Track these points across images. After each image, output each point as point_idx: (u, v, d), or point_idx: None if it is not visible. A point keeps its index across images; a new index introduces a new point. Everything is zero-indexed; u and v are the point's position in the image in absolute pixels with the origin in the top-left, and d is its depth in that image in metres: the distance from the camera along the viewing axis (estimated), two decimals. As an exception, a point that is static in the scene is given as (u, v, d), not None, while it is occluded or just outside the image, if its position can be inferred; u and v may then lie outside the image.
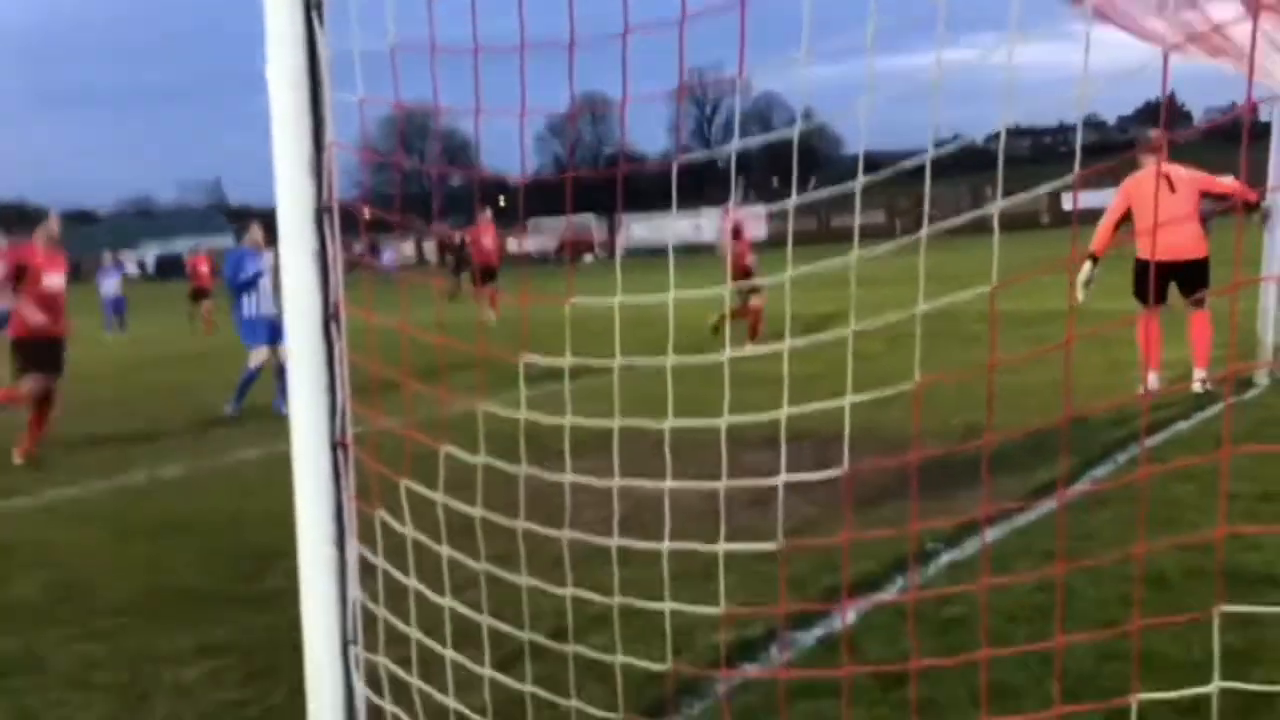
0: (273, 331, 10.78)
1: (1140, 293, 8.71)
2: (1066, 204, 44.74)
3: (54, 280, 9.58)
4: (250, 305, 11.56)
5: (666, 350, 2.25)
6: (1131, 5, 6.59)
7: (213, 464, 8.82)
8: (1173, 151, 8.96)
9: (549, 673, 3.30)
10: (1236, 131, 2.30)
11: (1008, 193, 2.15)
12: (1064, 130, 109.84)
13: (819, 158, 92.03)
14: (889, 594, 4.66)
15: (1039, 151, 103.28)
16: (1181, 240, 8.50)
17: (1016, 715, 3.25)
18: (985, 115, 2.19)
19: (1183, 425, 7.40)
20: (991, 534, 5.26)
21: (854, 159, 2.02)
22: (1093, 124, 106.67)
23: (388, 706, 2.55)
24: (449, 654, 2.49)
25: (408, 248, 63.20)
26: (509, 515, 2.47)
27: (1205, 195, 8.66)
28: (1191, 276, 8.53)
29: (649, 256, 43.94)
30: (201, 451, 9.43)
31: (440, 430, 2.54)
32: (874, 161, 2.10)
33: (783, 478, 2.01)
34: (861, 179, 1.91)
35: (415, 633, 2.52)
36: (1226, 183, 8.95)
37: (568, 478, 2.30)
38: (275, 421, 10.00)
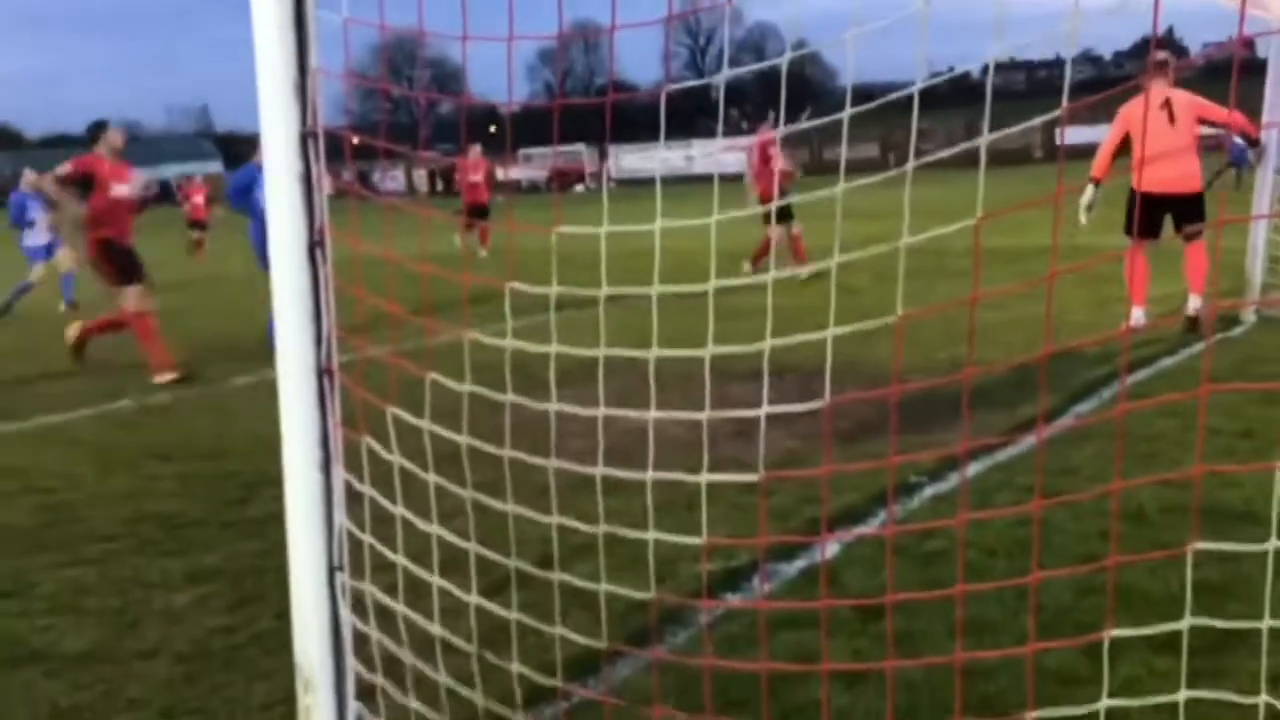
0: None
1: (1132, 226, 8.59)
2: (1059, 139, 44.49)
3: (122, 190, 9.51)
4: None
5: (656, 281, 2.24)
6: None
7: (200, 391, 8.81)
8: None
9: (534, 600, 3.34)
10: (1239, 68, 2.28)
11: (1001, 128, 2.13)
12: (1059, 64, 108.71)
13: (813, 89, 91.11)
14: (871, 527, 4.71)
15: (1034, 85, 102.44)
16: (1177, 173, 8.38)
17: (993, 649, 3.31)
18: (982, 49, 2.16)
19: (1168, 361, 7.44)
20: (973, 468, 5.30)
21: (849, 90, 2.00)
22: (1089, 59, 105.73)
23: (373, 633, 2.57)
24: (435, 581, 2.51)
25: (397, 176, 62.68)
26: (495, 444, 2.47)
27: (1203, 122, 8.51)
28: (1186, 210, 8.44)
29: (641, 187, 43.69)
30: (188, 378, 9.42)
31: (427, 359, 2.54)
32: (869, 94, 2.08)
33: (764, 409, 2.01)
34: (849, 110, 1.89)
35: (402, 559, 2.53)
36: (1225, 112, 8.81)
37: (553, 406, 2.30)
38: (263, 349, 9.99)
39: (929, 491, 5.05)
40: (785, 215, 13.59)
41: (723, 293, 2.17)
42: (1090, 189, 8.59)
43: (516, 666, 2.47)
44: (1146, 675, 3.13)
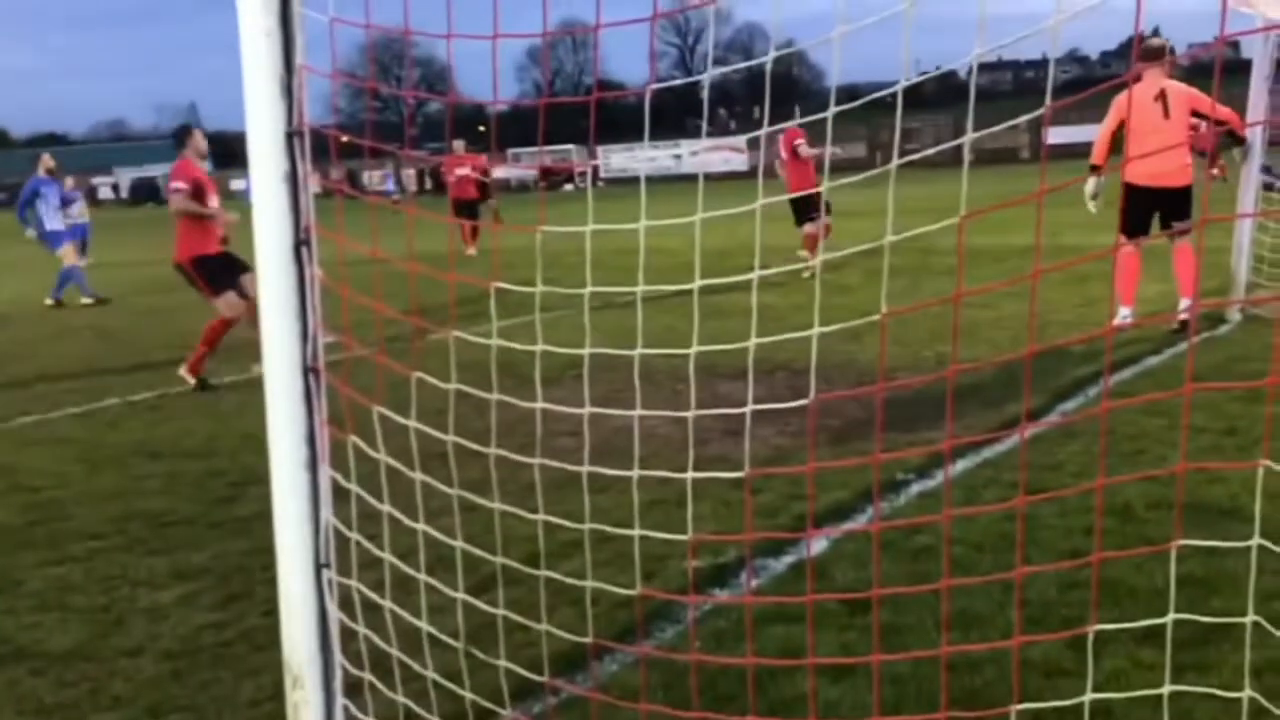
0: None
1: (1128, 221, 8.35)
2: (1046, 138, 44.65)
3: (214, 200, 9.25)
4: None
5: (641, 281, 2.25)
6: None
7: (188, 389, 8.79)
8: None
9: (521, 597, 3.35)
10: (1225, 67, 2.30)
11: (988, 127, 2.14)
12: (1046, 64, 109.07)
13: (800, 89, 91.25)
14: (859, 523, 4.73)
15: (1021, 85, 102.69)
16: (1169, 167, 8.35)
17: (980, 643, 3.33)
18: (971, 49, 2.17)
19: (1153, 360, 7.47)
20: (961, 465, 5.32)
21: (838, 90, 2.01)
22: (1075, 59, 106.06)
23: (360, 629, 2.58)
24: (422, 578, 2.51)
25: (380, 176, 62.50)
26: (482, 444, 2.48)
27: (1195, 115, 8.49)
28: (1175, 205, 8.38)
29: (630, 186, 43.71)
30: (175, 377, 9.39)
31: (414, 358, 2.54)
32: (856, 94, 2.09)
33: (749, 407, 2.02)
34: (834, 108, 1.90)
35: (389, 557, 2.54)
36: (1222, 108, 8.79)
37: (539, 405, 2.31)
38: (250, 348, 9.96)
39: (916, 488, 5.07)
40: (823, 211, 13.63)
41: (712, 291, 2.18)
42: (1093, 179, 8.57)
43: (504, 662, 2.48)
44: (1131, 668, 3.15)
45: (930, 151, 2.06)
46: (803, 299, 10.70)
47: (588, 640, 2.76)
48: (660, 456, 5.51)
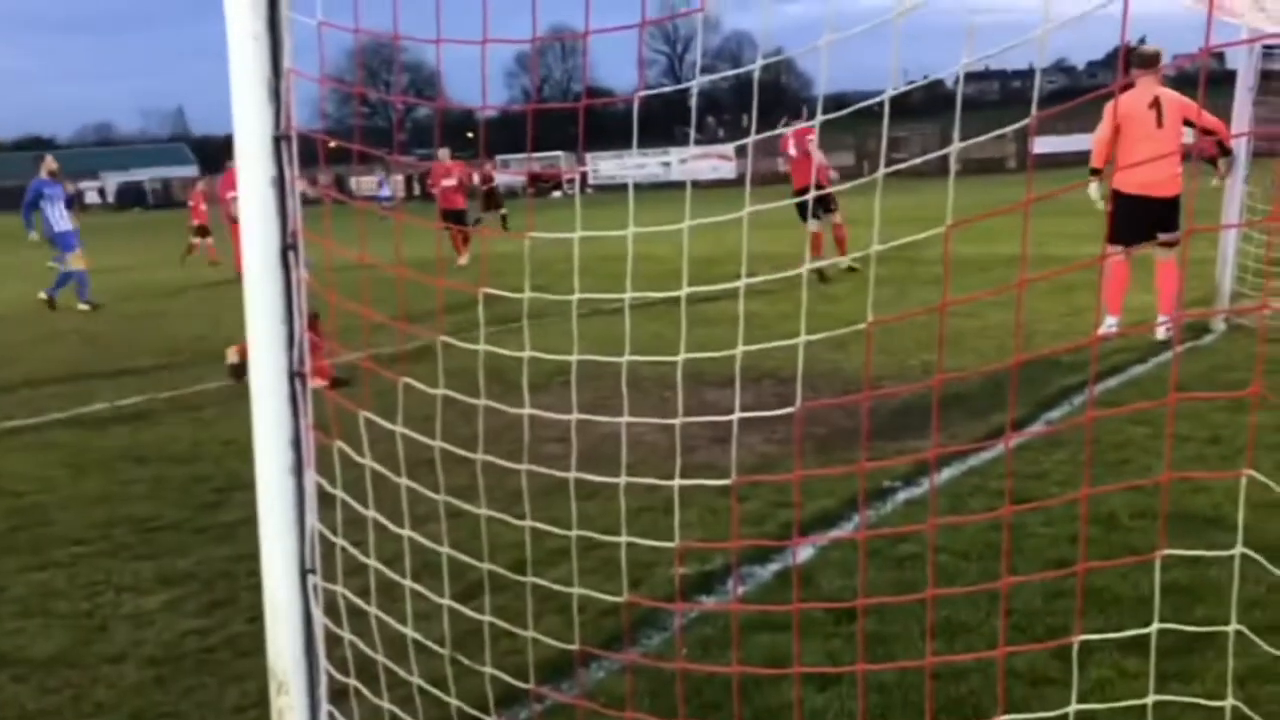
0: None
1: (1116, 230, 8.40)
2: (1033, 147, 44.82)
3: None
4: None
5: (629, 287, 2.25)
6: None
7: (173, 395, 8.76)
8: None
9: (506, 605, 3.34)
10: (1211, 78, 2.31)
11: (974, 137, 2.15)
12: (1033, 74, 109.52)
13: (788, 97, 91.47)
14: (845, 531, 4.73)
15: (1008, 95, 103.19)
16: (1160, 176, 8.34)
17: (965, 652, 3.33)
18: (956, 57, 2.18)
19: (1139, 369, 7.50)
20: (946, 473, 5.33)
21: (825, 99, 2.01)
22: (1062, 69, 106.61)
23: (346, 635, 2.57)
24: (408, 584, 2.51)
25: (372, 180, 62.40)
26: (468, 450, 2.47)
27: (1187, 125, 8.50)
28: (1163, 216, 8.37)
29: (618, 193, 43.73)
30: (161, 383, 9.37)
31: (401, 364, 2.54)
32: (844, 102, 2.10)
33: (736, 414, 2.02)
34: (821, 116, 1.91)
35: (374, 562, 2.53)
36: (1210, 118, 8.81)
37: (526, 411, 2.30)
38: (237, 354, 9.93)
39: (902, 496, 5.08)
40: (827, 209, 13.89)
41: (699, 299, 2.18)
42: (1095, 183, 8.58)
43: (489, 669, 2.47)
44: (1116, 677, 3.15)
45: (918, 160, 2.07)
46: (789, 307, 10.71)
47: (574, 647, 2.76)
48: (647, 464, 5.51)
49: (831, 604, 3.71)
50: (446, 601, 2.49)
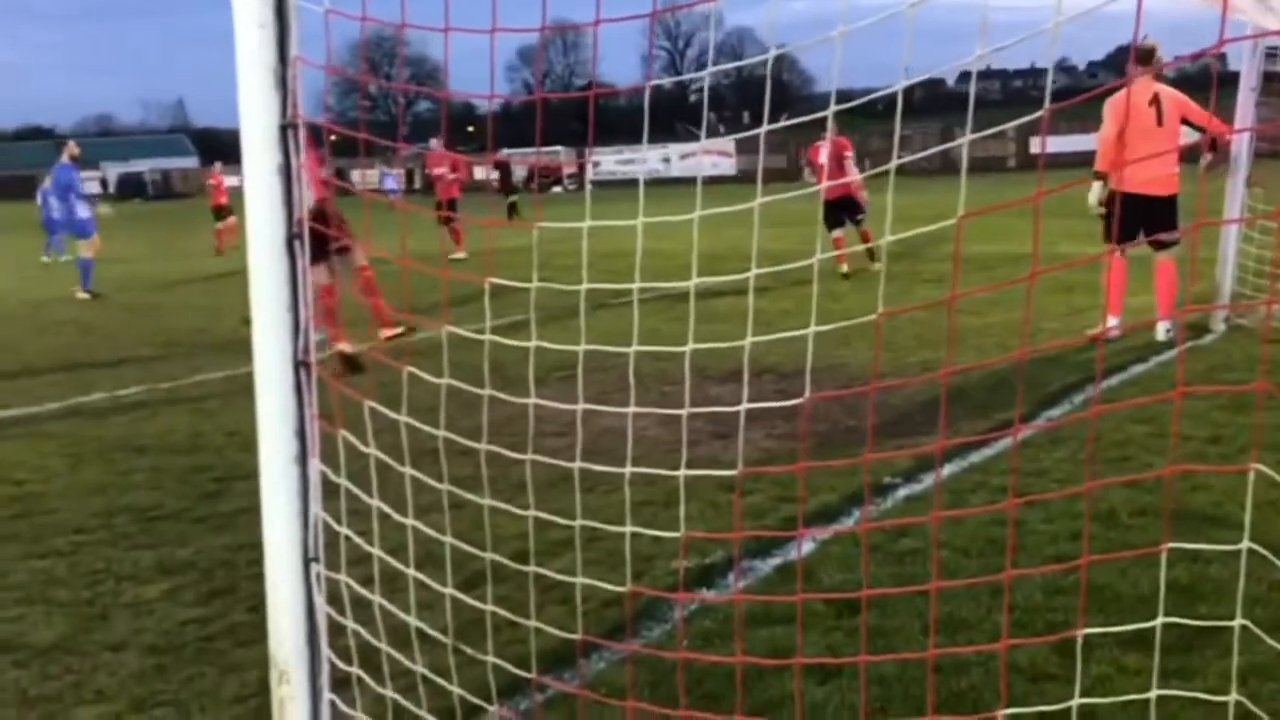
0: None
1: (1122, 229, 8.23)
2: (1034, 147, 44.76)
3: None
4: None
5: (637, 278, 2.25)
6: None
7: (172, 386, 8.76)
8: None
9: (508, 595, 3.34)
10: (1208, 79, 2.31)
11: (977, 134, 2.14)
12: (1034, 73, 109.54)
13: (790, 95, 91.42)
14: (845, 527, 4.74)
15: (1009, 94, 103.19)
16: (1160, 174, 8.31)
17: (966, 646, 3.34)
18: (957, 56, 2.17)
19: (1139, 368, 7.50)
20: (947, 470, 5.34)
21: (826, 97, 2.01)
22: (1063, 68, 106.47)
23: (349, 624, 2.57)
24: (411, 573, 2.51)
25: (374, 174, 62.28)
26: (473, 440, 2.47)
27: (1184, 122, 8.46)
28: (1161, 215, 8.32)
29: (617, 189, 43.68)
30: (160, 373, 9.36)
31: (405, 355, 2.54)
32: (846, 99, 2.09)
33: (744, 405, 2.02)
34: (834, 107, 1.91)
35: (378, 551, 2.53)
36: (1208, 115, 8.76)
37: (532, 401, 2.30)
38: (237, 343, 9.93)
39: (903, 492, 5.08)
40: (854, 218, 14.13)
41: (701, 295, 2.18)
42: (1097, 185, 8.52)
43: (492, 658, 2.47)
44: (1116, 673, 3.16)
45: (926, 154, 2.07)
46: (790, 304, 10.71)
47: (576, 637, 2.76)
48: (648, 459, 5.50)
49: (835, 594, 3.71)
50: (450, 591, 2.49)
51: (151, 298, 15.90)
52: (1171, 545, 2.03)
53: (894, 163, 1.78)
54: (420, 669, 2.55)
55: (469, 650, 2.65)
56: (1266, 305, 8.26)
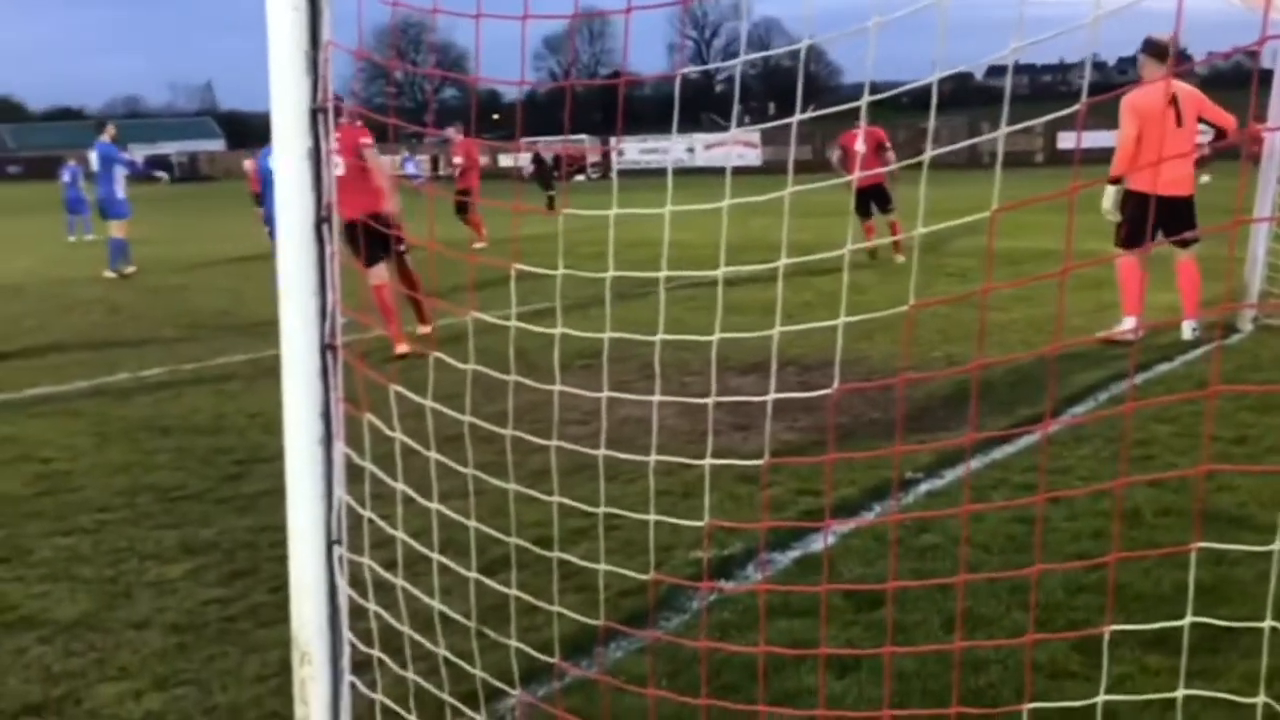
0: None
1: (1136, 231, 8.11)
2: (1061, 143, 44.42)
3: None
4: None
5: (664, 266, 2.24)
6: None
7: (196, 368, 8.81)
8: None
9: (527, 582, 3.35)
10: (1239, 77, 2.28)
11: (1005, 129, 2.13)
12: (1063, 68, 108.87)
13: (818, 86, 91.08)
14: (867, 519, 4.72)
15: (1037, 89, 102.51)
16: (1179, 175, 8.20)
17: (988, 641, 3.33)
18: (985, 50, 2.15)
19: (1164, 367, 7.44)
20: (970, 466, 5.31)
21: (852, 89, 1.99)
22: (1094, 64, 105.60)
23: (371, 606, 2.58)
24: (435, 557, 2.51)
25: (397, 159, 62.36)
26: (497, 425, 2.48)
27: (1201, 121, 8.36)
28: (1181, 215, 8.22)
29: (640, 178, 43.64)
30: (185, 355, 9.42)
31: (430, 340, 2.54)
32: (872, 92, 2.08)
33: (771, 395, 2.02)
34: (868, 97, 1.89)
35: (401, 534, 2.54)
36: (1224, 114, 8.64)
37: (556, 388, 2.30)
38: (262, 325, 9.99)
39: (924, 488, 5.06)
40: (884, 208, 14.37)
41: (725, 286, 2.17)
42: (1112, 190, 8.38)
43: (514, 642, 2.48)
44: (1138, 673, 3.14)
45: (955, 147, 2.05)
46: (812, 296, 10.69)
47: (599, 622, 2.76)
48: (667, 449, 5.50)
49: (858, 586, 3.71)
50: (473, 575, 2.50)
51: (176, 279, 15.99)
52: (1202, 545, 2.01)
53: (928, 154, 1.77)
54: (443, 652, 2.56)
55: (492, 634, 2.66)
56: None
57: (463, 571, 2.54)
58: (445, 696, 2.56)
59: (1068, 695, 2.90)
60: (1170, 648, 3.19)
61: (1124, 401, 6.52)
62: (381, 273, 8.71)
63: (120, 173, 17.04)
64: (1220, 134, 8.64)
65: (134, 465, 5.93)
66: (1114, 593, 3.67)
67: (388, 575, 2.56)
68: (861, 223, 14.31)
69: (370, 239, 8.29)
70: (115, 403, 7.59)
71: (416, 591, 2.60)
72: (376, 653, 2.57)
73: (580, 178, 52.61)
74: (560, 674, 3.15)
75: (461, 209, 18.83)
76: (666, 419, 6.08)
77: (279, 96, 2.40)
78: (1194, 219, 8.26)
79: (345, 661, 2.48)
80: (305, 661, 2.49)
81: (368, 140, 8.78)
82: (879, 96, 1.98)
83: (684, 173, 47.73)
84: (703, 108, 67.43)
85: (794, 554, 4.30)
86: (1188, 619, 1.90)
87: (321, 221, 2.42)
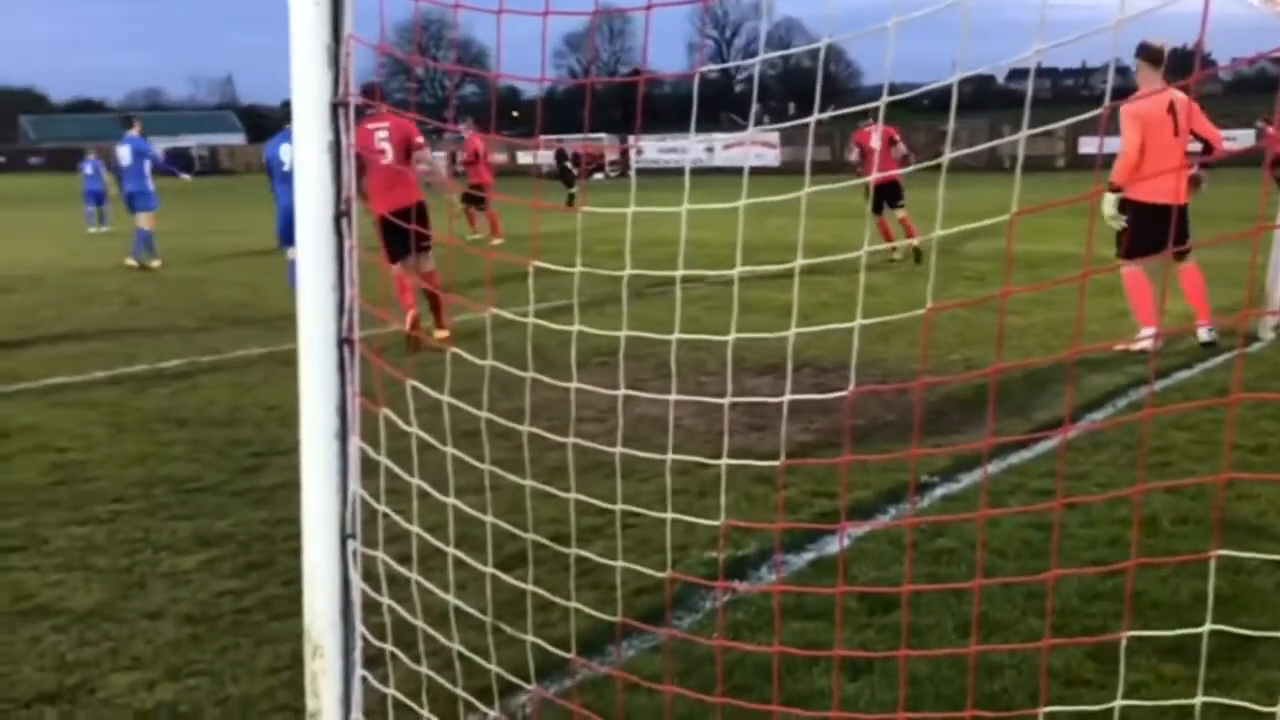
0: None
1: (1143, 240, 7.92)
2: (1083, 148, 44.20)
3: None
4: None
5: (681, 265, 2.24)
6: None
7: (214, 360, 8.84)
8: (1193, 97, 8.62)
9: (541, 579, 3.34)
10: (1264, 82, 2.26)
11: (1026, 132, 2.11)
12: (1085, 72, 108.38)
13: (837, 87, 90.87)
14: (883, 522, 4.71)
15: (1059, 93, 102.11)
16: (1176, 184, 8.12)
17: (1002, 646, 3.31)
18: (1006, 53, 2.14)
19: (1183, 374, 7.40)
20: (987, 470, 5.29)
21: (872, 91, 1.98)
22: (1117, 69, 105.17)
23: (384, 600, 2.58)
24: (451, 551, 2.51)
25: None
26: (514, 421, 2.47)
27: (1191, 133, 8.30)
28: (1180, 223, 8.11)
29: (659, 177, 43.62)
30: (203, 346, 9.46)
31: (449, 336, 2.54)
32: (892, 94, 2.07)
33: (787, 396, 2.01)
34: (886, 97, 1.88)
35: (416, 529, 2.54)
36: (1211, 127, 8.58)
37: (574, 385, 2.30)
38: (280, 319, 10.02)
39: (940, 491, 5.04)
40: (894, 204, 14.41)
41: (741, 286, 2.16)
42: (1112, 198, 8.32)
43: (530, 637, 2.47)
44: (1154, 681, 3.12)
45: (975, 150, 2.04)
46: (828, 297, 10.66)
47: (616, 619, 2.75)
48: (683, 449, 5.49)
49: (873, 589, 3.69)
50: (490, 570, 2.50)
51: (195, 271, 16.05)
52: (1222, 552, 2.00)
53: (947, 156, 1.76)
54: (457, 647, 2.56)
55: (507, 629, 2.66)
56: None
57: (478, 567, 2.54)
58: (459, 691, 2.56)
59: (1083, 702, 2.88)
60: (1186, 656, 3.17)
61: (1143, 408, 6.48)
62: (408, 267, 8.72)
63: (148, 166, 17.19)
64: (1207, 148, 8.58)
65: (150, 456, 5.96)
66: (1131, 600, 3.65)
67: (402, 570, 2.56)
68: (875, 219, 14.29)
69: (405, 232, 8.19)
70: (132, 393, 7.63)
71: (431, 586, 2.60)
72: (389, 647, 2.57)
73: (599, 176, 52.62)
74: (574, 670, 3.15)
75: (468, 200, 18.90)
76: (683, 418, 6.07)
77: (300, 90, 2.40)
78: (1187, 228, 8.19)
79: (357, 655, 2.48)
80: (317, 655, 2.49)
81: (419, 140, 8.75)
82: (899, 97, 1.97)
83: (702, 172, 47.68)
84: (722, 107, 67.36)
85: (809, 556, 4.29)
86: (1206, 626, 1.88)
87: (341, 215, 2.42)
